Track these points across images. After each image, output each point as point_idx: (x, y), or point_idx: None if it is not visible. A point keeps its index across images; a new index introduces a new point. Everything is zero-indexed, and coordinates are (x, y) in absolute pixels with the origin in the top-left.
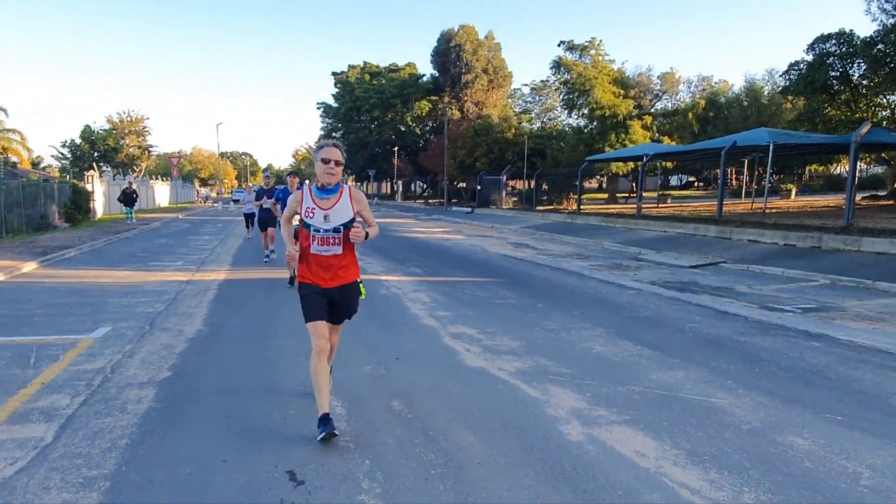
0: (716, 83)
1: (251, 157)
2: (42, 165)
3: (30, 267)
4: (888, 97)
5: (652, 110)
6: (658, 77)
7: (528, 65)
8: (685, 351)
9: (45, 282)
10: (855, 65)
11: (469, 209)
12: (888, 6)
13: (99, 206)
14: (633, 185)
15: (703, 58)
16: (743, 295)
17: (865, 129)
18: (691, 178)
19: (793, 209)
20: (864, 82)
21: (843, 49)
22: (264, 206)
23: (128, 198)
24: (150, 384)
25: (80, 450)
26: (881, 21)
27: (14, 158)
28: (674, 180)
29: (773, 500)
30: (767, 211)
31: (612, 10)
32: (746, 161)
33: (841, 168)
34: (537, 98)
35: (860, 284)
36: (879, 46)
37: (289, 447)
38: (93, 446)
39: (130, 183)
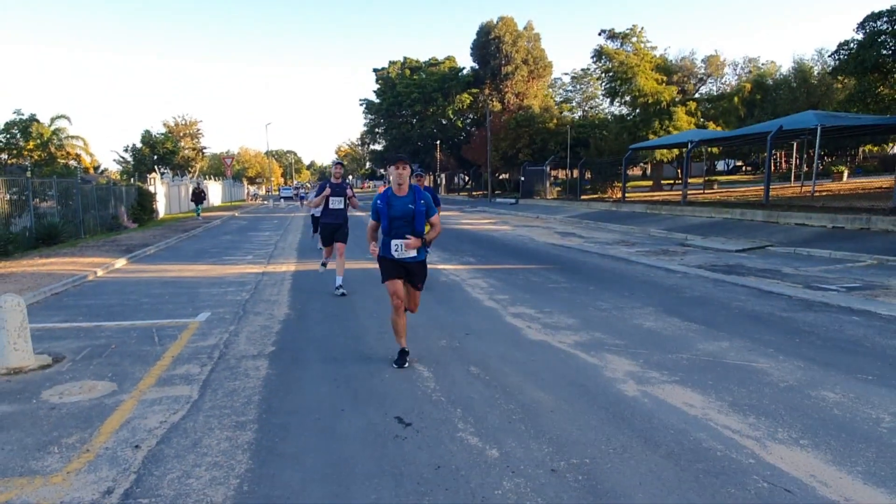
0: (762, 65)
1: (295, 154)
2: (101, 169)
3: (121, 263)
4: None
5: (696, 95)
6: (702, 61)
7: (568, 54)
8: (730, 325)
9: (138, 276)
10: None
11: (513, 200)
12: None
13: (161, 206)
14: (679, 171)
15: (749, 39)
16: (788, 276)
17: None
18: (738, 163)
19: (843, 192)
20: None
21: None
22: (328, 205)
23: (197, 197)
24: (260, 356)
25: (225, 403)
26: None
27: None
28: (720, 165)
29: (802, 437)
30: (817, 194)
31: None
32: (795, 144)
33: (893, 148)
34: (578, 87)
35: None
36: None
37: (392, 401)
38: (234, 401)
39: (199, 183)
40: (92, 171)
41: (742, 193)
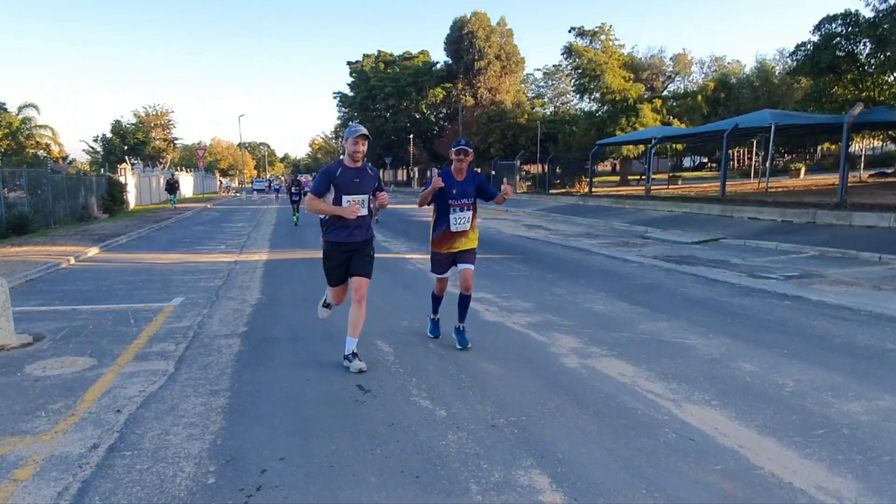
0: (728, 63)
1: (269, 147)
2: (69, 160)
3: (93, 252)
4: (894, 75)
5: (665, 92)
6: (670, 59)
7: (540, 50)
8: (672, 308)
9: (111, 264)
10: (861, 44)
11: None
12: None
13: (132, 197)
14: (646, 167)
15: (716, 38)
16: (735, 266)
17: (857, 109)
18: (704, 160)
19: (798, 188)
20: (872, 61)
21: (849, 29)
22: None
23: (171, 187)
24: (233, 336)
25: (199, 375)
26: (874, 7)
27: (43, 153)
28: (687, 162)
29: (714, 399)
30: (774, 190)
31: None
32: (755, 142)
33: (854, 146)
34: (550, 83)
35: (845, 255)
36: (885, 26)
37: (354, 373)
38: (208, 373)
39: (173, 174)
40: (60, 161)
41: (703, 189)
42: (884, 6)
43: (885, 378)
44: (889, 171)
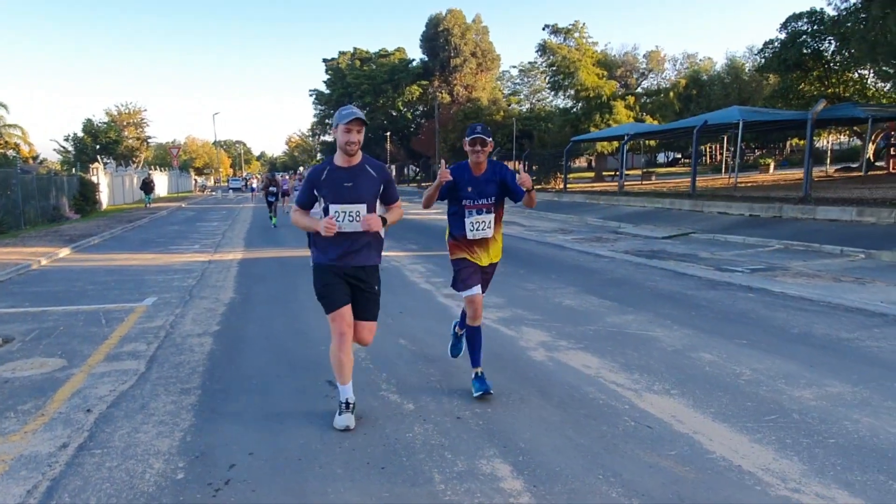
0: (701, 60)
1: (245, 145)
2: (39, 159)
3: (65, 252)
4: (858, 72)
5: (639, 89)
6: (644, 56)
7: (516, 47)
8: (639, 302)
9: (83, 264)
10: (826, 42)
11: None
12: None
13: (104, 197)
14: (619, 163)
15: (690, 35)
16: (704, 260)
17: (820, 106)
18: (678, 155)
19: (767, 183)
20: (836, 59)
21: (815, 27)
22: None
23: (147, 186)
24: (205, 335)
25: (170, 374)
26: (836, 6)
27: (13, 153)
28: (661, 157)
29: (673, 388)
30: (744, 185)
31: None
32: (725, 137)
33: (822, 142)
34: (526, 80)
35: (809, 248)
36: (848, 24)
37: (324, 369)
38: (179, 372)
39: (149, 174)
40: (31, 161)
41: (676, 184)
42: (845, 5)
43: (837, 366)
44: (854, 165)
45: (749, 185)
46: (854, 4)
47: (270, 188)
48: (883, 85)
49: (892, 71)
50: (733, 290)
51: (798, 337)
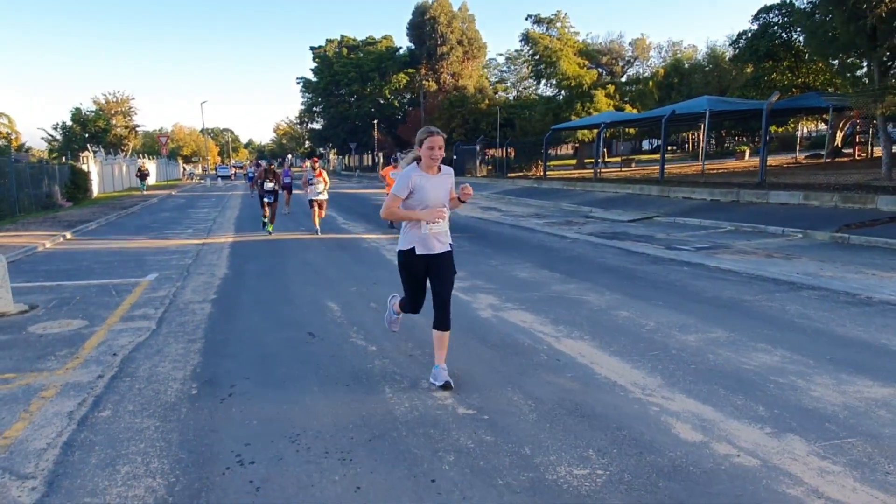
0: (685, 48)
1: (232, 133)
2: (25, 147)
3: (66, 236)
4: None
5: (624, 77)
6: (630, 43)
7: (503, 35)
8: (585, 274)
9: (85, 247)
10: (796, 33)
11: None
12: None
13: (95, 185)
14: (605, 150)
15: (677, 22)
16: (658, 240)
17: (775, 98)
18: (659, 142)
19: (738, 169)
20: (807, 49)
21: (785, 18)
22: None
23: (142, 175)
24: (205, 301)
25: (178, 330)
26: None
27: (3, 142)
28: (645, 145)
29: (586, 335)
30: (713, 171)
31: None
32: (703, 125)
33: (802, 128)
34: (512, 68)
35: (755, 229)
36: (816, 15)
37: (306, 324)
38: (185, 328)
39: (143, 164)
40: (17, 149)
41: (651, 171)
42: None
43: (726, 319)
44: (823, 152)
45: (719, 171)
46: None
47: (266, 183)
48: (850, 75)
49: (837, 64)
50: (673, 266)
51: (707, 299)
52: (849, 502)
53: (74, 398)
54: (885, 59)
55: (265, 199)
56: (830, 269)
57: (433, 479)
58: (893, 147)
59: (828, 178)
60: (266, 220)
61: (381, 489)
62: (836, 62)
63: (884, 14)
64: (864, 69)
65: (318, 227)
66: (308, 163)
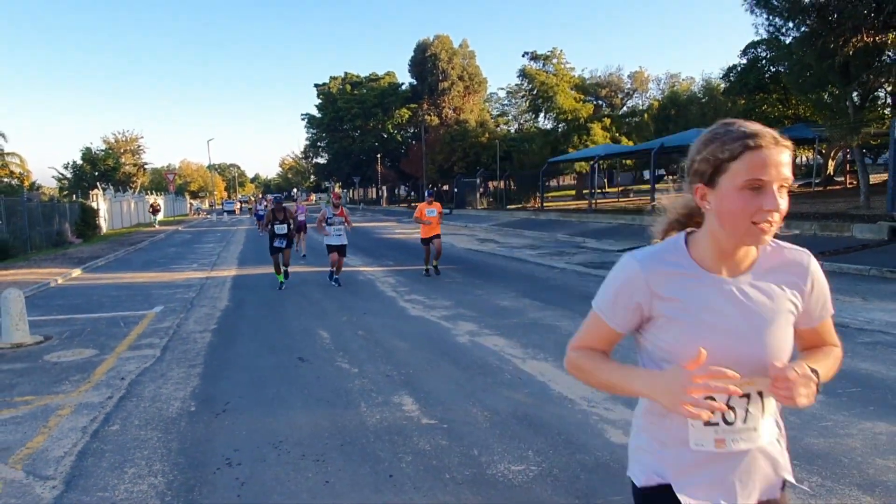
0: (682, 80)
1: (239, 168)
2: (36, 186)
3: (76, 272)
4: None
5: (624, 108)
6: (629, 76)
7: (504, 69)
8: (563, 302)
9: (95, 282)
10: (783, 67)
11: (448, 210)
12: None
13: (104, 222)
14: (605, 181)
15: (675, 56)
16: None
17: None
18: (662, 172)
19: None
20: (789, 85)
21: (772, 53)
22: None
23: (154, 210)
24: (206, 331)
25: (181, 357)
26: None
27: (16, 182)
28: (646, 174)
29: (550, 356)
30: None
31: (583, 17)
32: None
33: (801, 157)
34: (513, 101)
35: None
36: (794, 56)
37: (297, 350)
38: (187, 355)
39: (155, 201)
40: (29, 188)
41: (647, 202)
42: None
43: None
44: (817, 181)
45: None
46: (790, 39)
47: (278, 225)
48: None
49: (813, 98)
50: None
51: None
52: None
53: (87, 415)
54: (857, 94)
55: (276, 245)
56: None
57: (391, 474)
58: (870, 176)
59: (814, 206)
60: (281, 271)
61: (347, 483)
62: (814, 97)
63: (851, 52)
64: (844, 102)
65: (337, 276)
66: (314, 196)
